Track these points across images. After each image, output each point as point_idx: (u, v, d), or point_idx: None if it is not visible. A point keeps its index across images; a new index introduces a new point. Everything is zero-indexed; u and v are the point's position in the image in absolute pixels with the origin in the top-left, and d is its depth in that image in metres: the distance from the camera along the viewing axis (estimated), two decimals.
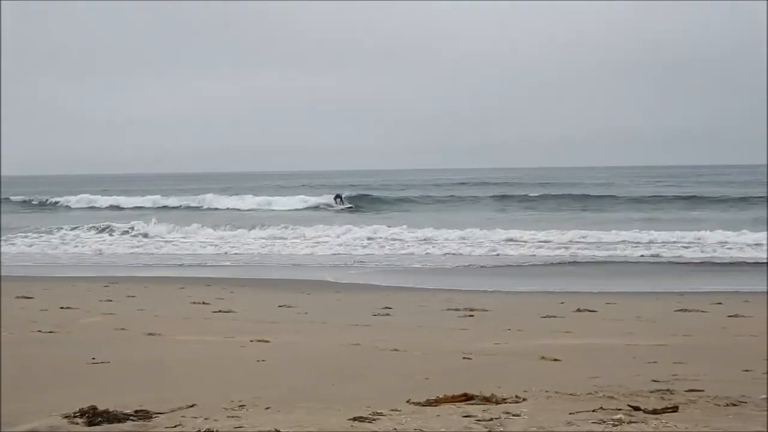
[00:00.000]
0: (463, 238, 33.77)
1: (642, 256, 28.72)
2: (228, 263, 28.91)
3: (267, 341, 10.96)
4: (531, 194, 64.14)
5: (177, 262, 29.13)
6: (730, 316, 14.17)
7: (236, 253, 32.02)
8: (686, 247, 30.27)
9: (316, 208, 58.89)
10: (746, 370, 8.84)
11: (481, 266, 27.01)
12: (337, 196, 62.24)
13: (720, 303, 16.30)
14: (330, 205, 60.06)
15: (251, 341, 10.94)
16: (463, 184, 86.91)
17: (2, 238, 36.19)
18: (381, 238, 34.64)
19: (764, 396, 7.34)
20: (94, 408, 6.61)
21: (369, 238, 34.52)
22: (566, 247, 30.91)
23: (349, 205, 59.75)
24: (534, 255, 29.54)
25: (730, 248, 29.96)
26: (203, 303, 16.32)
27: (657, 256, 28.63)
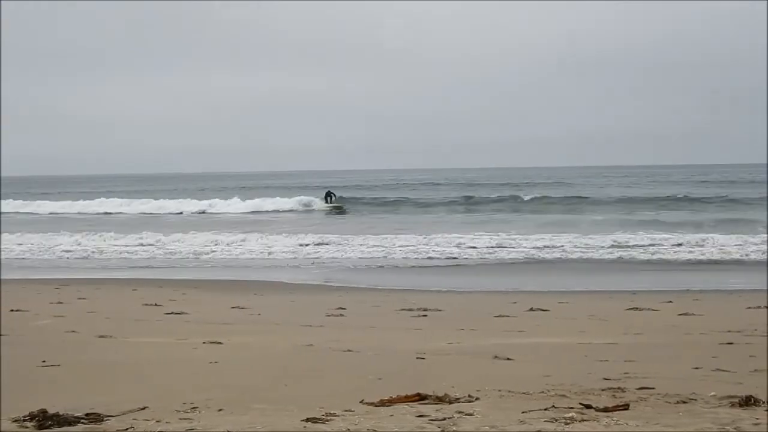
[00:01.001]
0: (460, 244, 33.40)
1: (597, 256, 28.85)
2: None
3: (220, 343, 10.91)
4: (494, 195, 64.17)
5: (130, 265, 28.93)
6: (680, 315, 14.31)
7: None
8: (641, 247, 30.46)
9: (308, 209, 58.57)
10: (696, 368, 8.94)
11: (436, 266, 27.06)
12: (328, 195, 61.23)
13: (671, 302, 16.45)
14: (308, 206, 59.46)
15: (204, 343, 10.88)
16: (438, 184, 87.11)
17: None
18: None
19: (714, 393, 7.42)
20: (44, 411, 6.54)
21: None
22: (523, 248, 31.01)
23: (339, 205, 58.99)
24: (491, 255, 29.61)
25: (680, 247, 30.25)
26: (155, 305, 16.21)
27: (611, 255, 28.76)
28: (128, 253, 31.99)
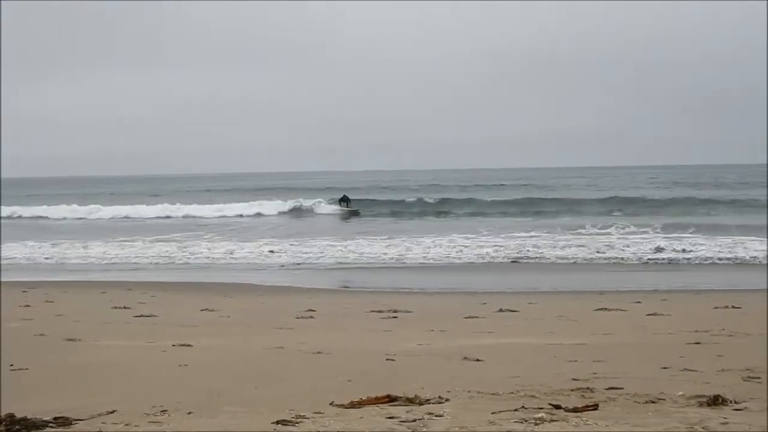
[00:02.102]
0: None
1: (564, 257, 28.93)
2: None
3: (189, 345, 10.88)
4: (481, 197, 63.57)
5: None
6: (648, 315, 14.38)
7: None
8: (606, 250, 30.59)
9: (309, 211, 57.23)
10: (664, 368, 8.99)
11: (406, 266, 27.09)
12: (343, 199, 58.15)
13: (639, 302, 16.54)
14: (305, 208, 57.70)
15: (173, 345, 10.85)
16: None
17: None
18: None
19: (682, 393, 7.47)
20: (11, 416, 6.50)
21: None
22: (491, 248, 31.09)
23: (356, 209, 56.39)
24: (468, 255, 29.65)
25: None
26: (124, 307, 16.13)
27: (575, 257, 28.84)
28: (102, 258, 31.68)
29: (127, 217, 56.21)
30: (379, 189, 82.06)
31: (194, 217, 55.48)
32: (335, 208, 57.24)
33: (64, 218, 57.66)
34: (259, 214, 56.72)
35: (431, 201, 61.38)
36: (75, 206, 62.64)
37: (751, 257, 27.09)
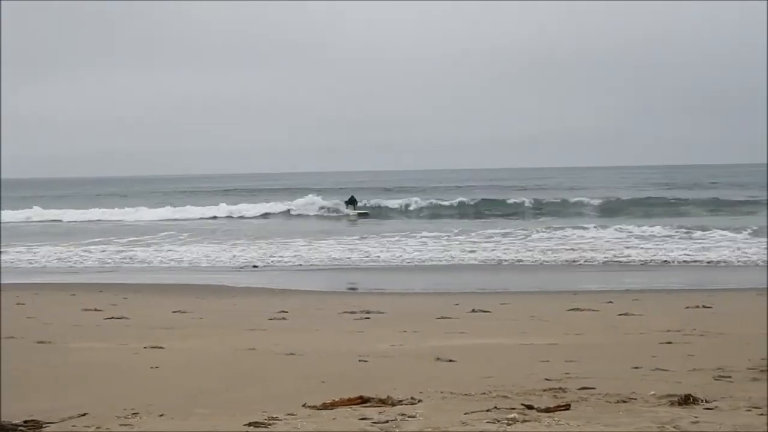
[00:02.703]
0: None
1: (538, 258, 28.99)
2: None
3: (161, 347, 10.83)
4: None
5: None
6: (620, 315, 14.44)
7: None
8: (573, 250, 30.73)
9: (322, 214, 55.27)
10: (636, 368, 9.04)
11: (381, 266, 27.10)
12: (350, 201, 55.91)
13: (611, 302, 16.60)
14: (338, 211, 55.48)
15: (145, 348, 10.80)
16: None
17: None
18: None
19: (653, 392, 7.51)
20: None
21: None
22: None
23: (365, 212, 54.35)
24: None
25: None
26: (95, 310, 16.04)
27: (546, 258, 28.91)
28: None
29: (99, 220, 55.49)
30: (383, 190, 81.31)
31: (186, 219, 54.54)
32: (328, 210, 56.16)
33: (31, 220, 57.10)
34: (263, 215, 56.04)
35: (447, 203, 59.56)
36: (37, 209, 61.45)
37: (721, 258, 27.26)
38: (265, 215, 55.92)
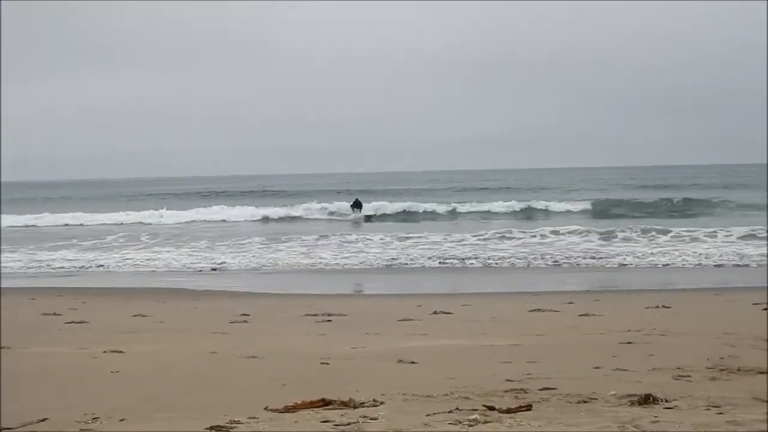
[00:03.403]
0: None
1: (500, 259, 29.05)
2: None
3: (121, 351, 10.77)
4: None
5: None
6: (581, 315, 14.51)
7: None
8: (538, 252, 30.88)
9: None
10: (596, 368, 9.09)
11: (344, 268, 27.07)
12: (355, 204, 54.55)
13: (572, 302, 16.68)
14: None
15: (105, 352, 10.73)
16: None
17: None
18: None
19: (614, 392, 7.56)
20: None
21: None
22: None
23: (369, 214, 52.81)
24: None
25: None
26: (55, 314, 15.91)
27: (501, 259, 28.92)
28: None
29: (67, 225, 54.57)
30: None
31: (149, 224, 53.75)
32: (331, 213, 54.68)
33: None
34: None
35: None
36: None
37: (678, 259, 27.50)
38: (265, 219, 54.22)
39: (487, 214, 52.70)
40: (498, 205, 55.75)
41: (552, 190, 79.35)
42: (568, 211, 52.45)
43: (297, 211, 55.77)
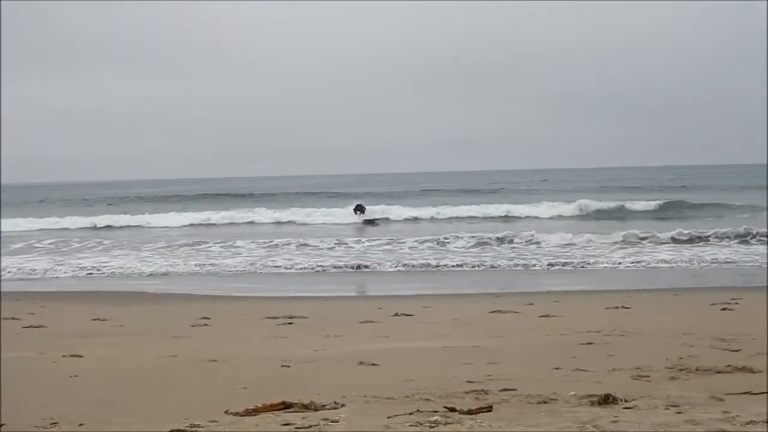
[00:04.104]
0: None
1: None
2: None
3: (80, 356, 10.69)
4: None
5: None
6: (541, 316, 14.57)
7: None
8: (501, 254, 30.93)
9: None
10: (557, 368, 9.13)
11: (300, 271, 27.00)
12: (357, 208, 51.99)
13: (532, 304, 16.74)
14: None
15: (63, 356, 10.65)
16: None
17: None
18: None
19: (573, 392, 7.60)
20: None
21: None
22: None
23: (374, 218, 50.34)
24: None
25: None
26: (12, 318, 15.73)
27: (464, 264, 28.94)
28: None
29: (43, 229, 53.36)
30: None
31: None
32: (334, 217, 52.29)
33: None
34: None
35: None
36: None
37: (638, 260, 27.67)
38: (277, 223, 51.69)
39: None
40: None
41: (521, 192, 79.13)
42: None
43: (296, 216, 53.39)
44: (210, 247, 34.41)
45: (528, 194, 72.65)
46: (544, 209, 51.37)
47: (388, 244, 33.55)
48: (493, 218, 49.36)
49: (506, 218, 49.13)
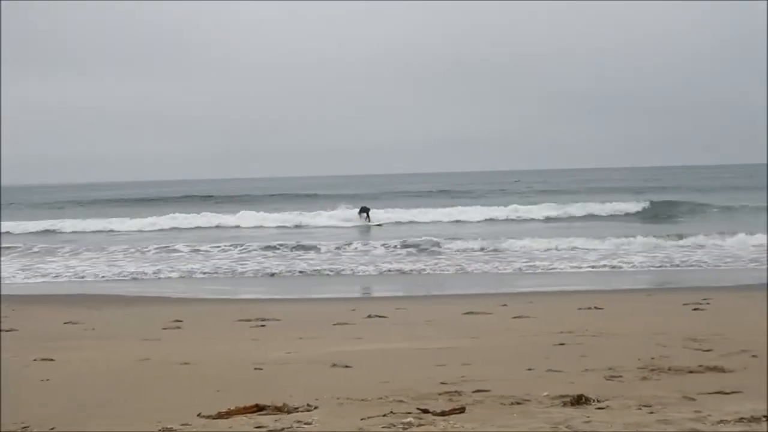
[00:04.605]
0: None
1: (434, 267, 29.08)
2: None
3: (52, 359, 10.62)
4: None
5: None
6: (515, 317, 14.61)
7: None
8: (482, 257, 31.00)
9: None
10: (530, 369, 9.16)
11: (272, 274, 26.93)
12: (363, 210, 50.96)
13: (505, 305, 16.77)
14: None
15: (35, 360, 10.58)
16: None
17: None
18: None
19: (546, 393, 7.62)
20: None
21: None
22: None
23: (378, 223, 49.21)
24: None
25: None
26: None
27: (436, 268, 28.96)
28: None
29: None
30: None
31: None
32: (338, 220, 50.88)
33: None
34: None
35: None
36: None
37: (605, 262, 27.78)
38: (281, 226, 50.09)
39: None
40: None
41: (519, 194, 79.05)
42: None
43: (305, 218, 52.00)
44: (193, 249, 34.26)
45: (494, 196, 73.07)
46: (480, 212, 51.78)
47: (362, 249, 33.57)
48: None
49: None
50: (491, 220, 49.33)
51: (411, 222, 49.53)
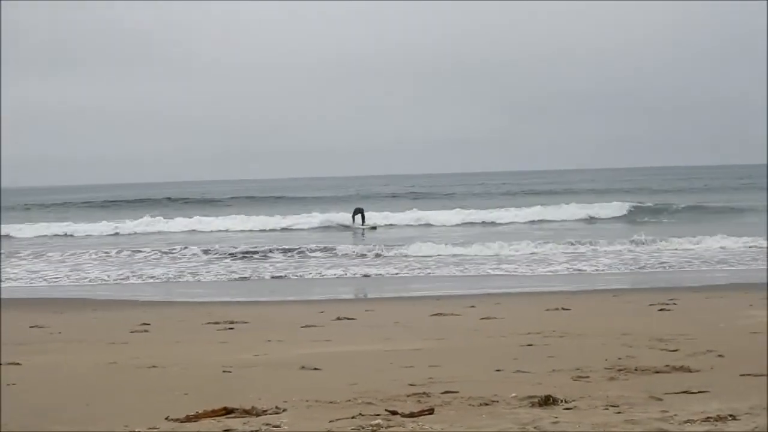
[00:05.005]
0: None
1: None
2: None
3: (18, 364, 10.53)
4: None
5: None
6: (483, 319, 14.64)
7: None
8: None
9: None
10: (498, 370, 9.20)
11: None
12: (357, 212, 49.44)
13: (473, 306, 16.80)
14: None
15: (1, 365, 10.48)
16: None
17: None
18: None
19: (514, 394, 7.65)
20: None
21: None
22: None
23: (373, 225, 48.13)
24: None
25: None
26: None
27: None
28: None
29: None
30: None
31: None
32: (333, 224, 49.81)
33: None
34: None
35: None
36: None
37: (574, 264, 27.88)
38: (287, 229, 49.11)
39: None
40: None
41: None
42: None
43: (289, 221, 51.09)
44: (162, 253, 34.06)
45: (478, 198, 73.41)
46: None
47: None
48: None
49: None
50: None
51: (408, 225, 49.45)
